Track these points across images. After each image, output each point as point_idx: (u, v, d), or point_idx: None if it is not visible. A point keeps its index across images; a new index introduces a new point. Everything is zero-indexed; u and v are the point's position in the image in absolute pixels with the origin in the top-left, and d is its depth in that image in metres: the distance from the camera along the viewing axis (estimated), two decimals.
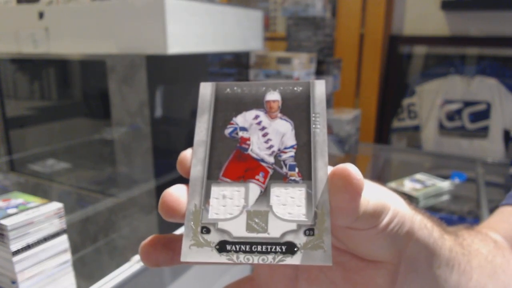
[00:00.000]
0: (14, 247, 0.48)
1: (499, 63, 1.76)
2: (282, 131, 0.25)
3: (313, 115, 0.25)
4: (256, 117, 0.26)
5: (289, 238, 0.22)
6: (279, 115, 0.25)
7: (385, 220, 0.24)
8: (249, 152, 0.25)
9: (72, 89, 1.38)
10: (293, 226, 0.22)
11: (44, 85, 1.41)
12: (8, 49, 1.23)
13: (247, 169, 0.24)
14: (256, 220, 0.22)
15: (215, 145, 0.25)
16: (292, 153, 0.24)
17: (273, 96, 0.26)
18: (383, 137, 2.03)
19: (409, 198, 1.06)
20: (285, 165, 0.24)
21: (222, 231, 0.22)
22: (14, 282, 0.50)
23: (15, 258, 0.49)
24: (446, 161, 1.63)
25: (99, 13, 1.03)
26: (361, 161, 1.67)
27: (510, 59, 1.75)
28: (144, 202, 1.10)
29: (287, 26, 1.56)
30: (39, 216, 0.51)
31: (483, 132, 1.77)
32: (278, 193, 0.23)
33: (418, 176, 1.21)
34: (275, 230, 0.22)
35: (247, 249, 0.22)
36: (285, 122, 0.25)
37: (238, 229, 0.22)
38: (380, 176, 1.43)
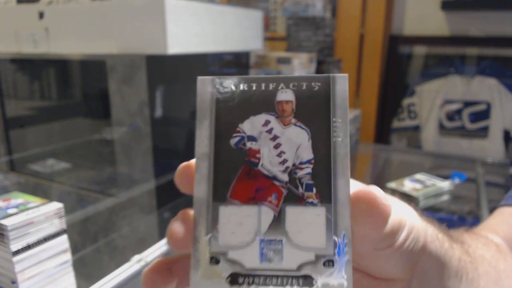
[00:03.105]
0: (14, 247, 0.48)
1: (499, 63, 1.76)
2: (297, 141, 0.21)
3: (334, 120, 0.21)
4: (266, 123, 0.22)
5: (306, 270, 0.20)
6: (293, 120, 0.21)
7: (401, 238, 0.22)
8: (260, 167, 0.21)
9: (72, 89, 1.38)
10: (311, 256, 0.20)
11: (44, 85, 1.41)
12: (8, 49, 1.23)
13: (258, 189, 0.21)
14: (270, 249, 0.20)
15: (220, 159, 0.21)
16: (309, 169, 0.21)
17: (286, 95, 0.22)
18: (383, 137, 2.02)
19: (409, 198, 1.06)
20: (301, 184, 0.21)
21: (233, 261, 0.20)
22: (14, 282, 0.50)
23: (15, 258, 0.49)
24: (446, 161, 1.63)
25: (99, 13, 1.03)
26: (361, 161, 1.67)
27: (510, 59, 1.75)
28: (144, 202, 1.10)
29: (287, 26, 1.56)
30: (39, 216, 0.51)
31: (483, 132, 1.77)
32: (293, 218, 0.20)
33: (418, 176, 1.21)
34: (291, 261, 0.20)
35: (261, 282, 0.20)
36: (300, 129, 0.21)
37: (251, 260, 0.20)
38: (380, 176, 1.43)
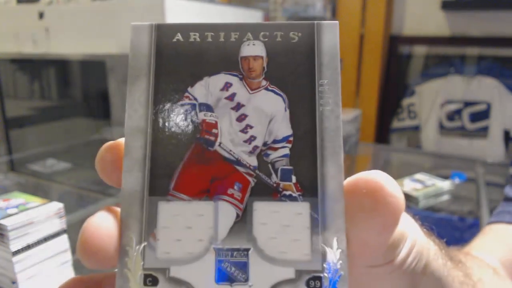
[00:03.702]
0: (14, 247, 0.48)
1: (499, 63, 1.76)
2: (270, 111, 0.16)
3: (320, 82, 0.16)
4: (227, 86, 0.16)
5: None
6: (264, 83, 0.16)
7: (403, 253, 0.18)
8: (217, 147, 0.16)
9: (72, 89, 1.38)
10: (290, 273, 0.14)
11: (44, 85, 1.41)
12: (8, 49, 1.23)
13: (215, 178, 0.15)
14: (231, 264, 0.14)
15: (160, 136, 0.15)
16: (286, 150, 0.15)
17: (254, 49, 0.16)
18: (383, 137, 2.02)
19: (409, 198, 1.06)
20: (275, 171, 0.15)
21: (178, 281, 0.14)
22: (14, 282, 0.50)
23: (15, 258, 0.49)
24: (446, 161, 1.63)
25: (99, 13, 1.03)
26: (361, 161, 1.67)
27: (510, 59, 1.75)
28: None
29: None
30: (39, 216, 0.51)
31: (483, 132, 1.76)
32: (264, 218, 0.15)
33: (418, 176, 1.21)
34: (261, 280, 0.14)
35: None
36: (273, 95, 0.16)
37: (203, 278, 0.14)
38: None
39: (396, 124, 1.96)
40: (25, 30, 1.17)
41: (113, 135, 1.12)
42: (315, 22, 0.16)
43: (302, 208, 0.15)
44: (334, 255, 0.14)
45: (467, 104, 1.78)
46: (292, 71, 0.16)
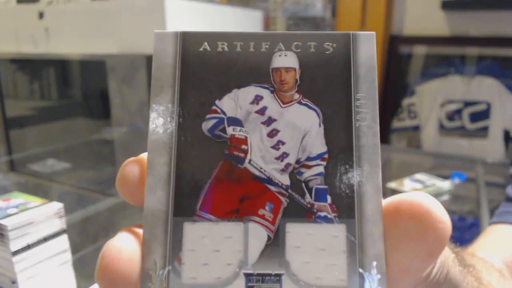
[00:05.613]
0: (14, 247, 0.48)
1: (499, 63, 1.76)
2: (303, 126, 0.15)
3: (357, 97, 0.15)
4: (257, 99, 0.15)
5: None
6: (297, 96, 0.15)
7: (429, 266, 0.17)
8: (247, 165, 0.14)
9: (72, 89, 1.38)
10: None
11: (44, 85, 1.41)
12: (8, 49, 1.23)
13: (244, 198, 0.14)
14: None
15: (185, 152, 0.14)
16: (320, 167, 0.14)
17: (286, 60, 0.15)
18: (383, 137, 2.03)
19: None
20: (309, 190, 0.14)
21: None
22: (14, 282, 0.50)
23: (15, 258, 0.49)
24: (446, 161, 1.63)
25: (99, 13, 1.03)
26: None
27: (510, 59, 1.75)
28: None
29: (287, 26, 1.56)
30: (39, 216, 0.51)
31: (483, 132, 1.76)
32: (298, 241, 0.14)
33: (418, 176, 1.21)
34: None
35: None
36: (307, 110, 0.15)
37: None
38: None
39: (396, 124, 1.96)
40: (25, 30, 1.17)
41: (113, 135, 1.12)
42: (351, 32, 0.15)
43: (338, 231, 0.14)
44: (372, 281, 0.13)
45: (467, 104, 1.78)
46: (327, 84, 0.15)
